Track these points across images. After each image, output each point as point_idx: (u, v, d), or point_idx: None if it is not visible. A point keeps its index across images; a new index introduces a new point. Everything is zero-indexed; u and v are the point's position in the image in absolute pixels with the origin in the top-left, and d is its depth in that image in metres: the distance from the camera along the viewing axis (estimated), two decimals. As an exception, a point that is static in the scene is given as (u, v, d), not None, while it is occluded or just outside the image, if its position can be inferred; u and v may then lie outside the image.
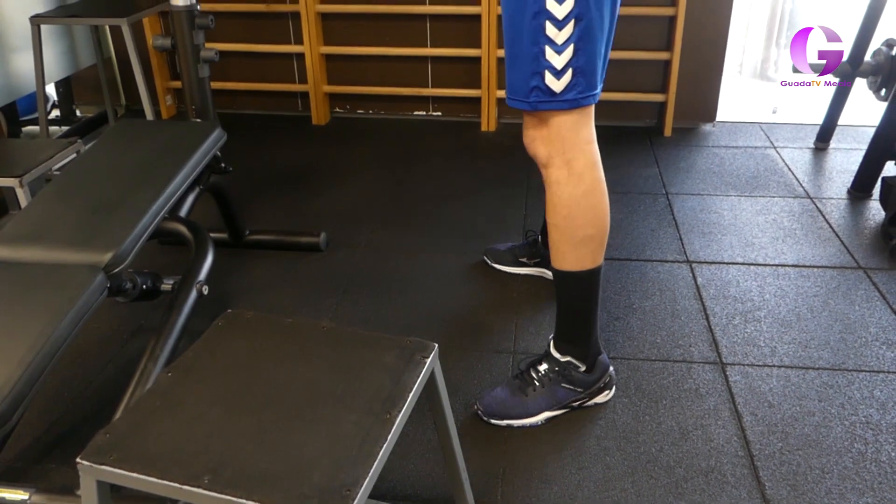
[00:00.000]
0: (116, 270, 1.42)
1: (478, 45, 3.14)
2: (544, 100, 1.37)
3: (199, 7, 1.92)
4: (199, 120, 2.00)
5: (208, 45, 1.98)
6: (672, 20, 3.03)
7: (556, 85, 1.35)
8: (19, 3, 2.86)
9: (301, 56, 3.30)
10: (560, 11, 1.31)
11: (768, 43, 4.46)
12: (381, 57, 3.28)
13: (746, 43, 4.49)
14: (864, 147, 2.63)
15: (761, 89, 4.15)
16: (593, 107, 1.43)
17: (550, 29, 1.32)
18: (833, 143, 3.04)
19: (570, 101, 1.37)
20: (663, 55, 3.10)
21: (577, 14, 1.31)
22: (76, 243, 1.45)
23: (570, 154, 1.42)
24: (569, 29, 1.32)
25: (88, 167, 1.74)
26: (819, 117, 3.05)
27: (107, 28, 3.36)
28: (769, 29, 4.42)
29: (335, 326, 1.14)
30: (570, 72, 1.34)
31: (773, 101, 3.70)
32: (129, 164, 1.73)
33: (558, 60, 1.34)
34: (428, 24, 3.20)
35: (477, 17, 3.08)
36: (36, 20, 2.66)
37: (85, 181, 1.68)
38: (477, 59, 3.17)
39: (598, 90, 1.40)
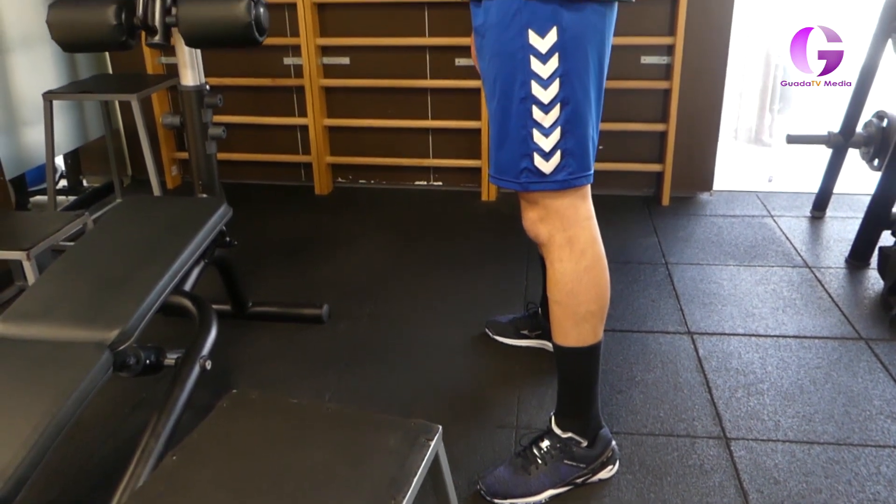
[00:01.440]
0: (122, 348, 1.43)
1: (478, 117, 3.21)
2: (534, 181, 1.41)
3: (208, 86, 1.98)
4: (205, 195, 2.04)
5: (216, 117, 2.03)
6: (667, 93, 3.11)
7: (546, 166, 1.39)
8: (33, 78, 2.95)
9: (305, 128, 3.38)
10: (546, 96, 1.35)
11: (762, 109, 4.57)
12: (382, 129, 3.36)
13: (741, 109, 4.59)
14: (860, 215, 2.66)
15: (756, 154, 4.22)
16: (589, 185, 1.46)
17: (537, 113, 1.36)
18: (829, 212, 3.08)
19: (560, 182, 1.40)
20: (659, 126, 3.17)
21: (562, 98, 1.35)
22: (82, 321, 1.47)
23: (571, 231, 1.45)
24: (555, 112, 1.36)
25: (96, 243, 1.77)
26: (814, 185, 3.10)
27: (116, 102, 3.44)
28: (762, 95, 4.53)
29: (339, 408, 1.14)
30: (558, 153, 1.38)
31: (768, 166, 3.76)
32: (137, 239, 1.76)
33: (546, 143, 1.38)
34: (429, 97, 3.29)
35: (476, 91, 3.16)
36: (48, 96, 2.73)
37: (92, 257, 1.70)
38: (477, 131, 3.24)
39: (591, 171, 1.44)
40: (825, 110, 4.07)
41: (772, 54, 4.43)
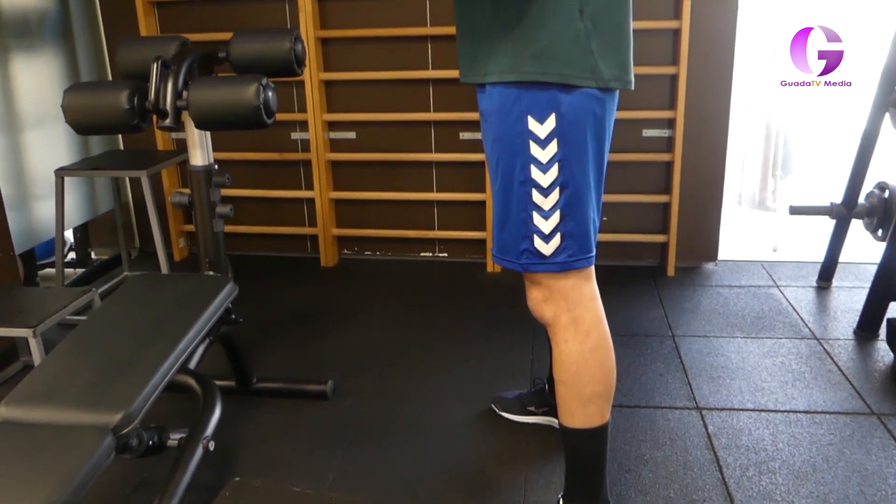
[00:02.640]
0: (125, 431, 1.42)
1: (482, 189, 3.25)
2: (535, 262, 1.42)
3: (216, 166, 2.02)
4: (212, 273, 2.05)
5: (224, 191, 2.06)
6: (669, 165, 3.15)
7: (545, 248, 1.40)
8: (45, 155, 3.01)
9: (311, 201, 3.42)
10: (545, 180, 1.38)
11: (765, 174, 4.61)
12: (388, 201, 3.39)
13: (743, 175, 4.63)
14: (867, 285, 2.66)
15: (760, 220, 4.25)
16: (593, 266, 1.47)
17: (537, 196, 1.39)
18: (835, 282, 3.08)
19: (560, 264, 1.41)
20: (662, 198, 3.20)
21: (561, 182, 1.38)
22: (86, 403, 1.46)
23: (576, 312, 1.45)
24: (554, 196, 1.38)
25: (103, 322, 1.77)
26: (819, 254, 3.10)
27: (126, 177, 3.50)
28: (765, 161, 4.58)
29: (342, 497, 1.12)
30: (558, 236, 1.40)
31: (772, 234, 3.78)
32: (143, 319, 1.76)
33: (545, 225, 1.39)
34: (434, 170, 3.34)
35: (481, 164, 3.21)
36: (61, 173, 2.78)
37: (99, 337, 1.70)
38: (482, 203, 3.28)
39: (592, 253, 1.45)
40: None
41: (772, 120, 4.50)
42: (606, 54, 1.35)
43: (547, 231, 1.39)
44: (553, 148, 1.36)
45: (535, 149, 1.37)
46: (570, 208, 1.40)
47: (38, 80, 3.03)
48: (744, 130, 4.48)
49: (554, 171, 1.37)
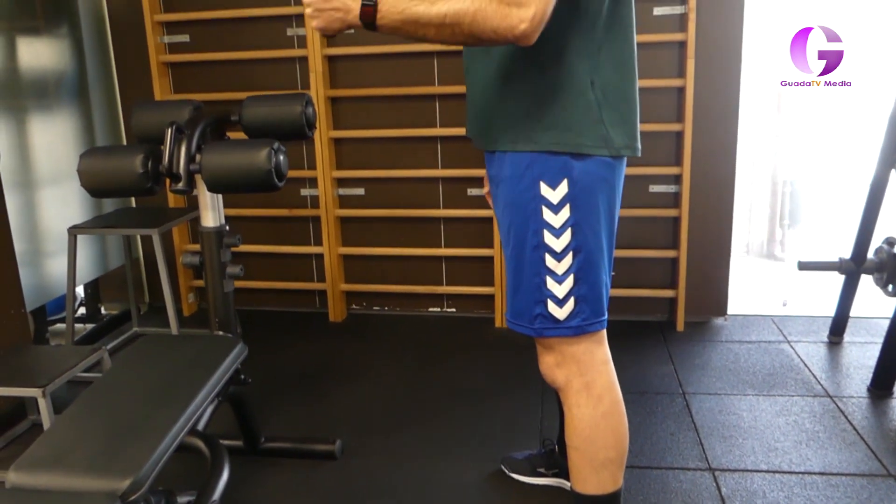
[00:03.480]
0: (134, 498, 1.41)
1: (490, 244, 3.27)
2: (549, 326, 1.42)
3: (227, 227, 2.04)
4: (221, 332, 2.06)
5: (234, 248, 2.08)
6: (676, 221, 3.17)
7: (560, 313, 1.41)
8: (59, 212, 3.05)
9: (320, 256, 3.44)
10: (558, 245, 1.39)
11: (772, 223, 4.62)
12: (396, 257, 3.41)
13: (751, 224, 4.65)
14: (879, 340, 2.64)
15: (769, 269, 4.24)
16: (605, 330, 1.47)
17: (550, 261, 1.40)
18: (847, 337, 3.06)
19: (574, 328, 1.42)
20: (670, 253, 3.20)
21: (574, 247, 1.39)
22: (95, 469, 1.45)
23: (588, 376, 1.45)
24: (568, 260, 1.39)
25: (113, 384, 1.77)
26: (830, 308, 3.09)
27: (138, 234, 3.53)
28: (772, 210, 4.60)
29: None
30: (572, 300, 1.41)
31: (781, 285, 3.77)
32: (153, 381, 1.76)
33: (559, 290, 1.40)
34: (442, 226, 3.36)
35: (488, 220, 3.23)
36: (73, 231, 2.81)
37: (109, 400, 1.70)
38: (490, 258, 3.29)
39: (605, 316, 1.45)
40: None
41: (779, 170, 4.53)
42: (617, 124, 1.38)
43: (561, 295, 1.40)
44: (565, 213, 1.38)
45: (547, 214, 1.38)
46: (583, 272, 1.41)
47: (54, 138, 3.09)
48: (750, 180, 4.52)
49: (567, 236, 1.39)
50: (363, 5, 1.28)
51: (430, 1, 1.25)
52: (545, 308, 1.41)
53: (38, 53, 3.06)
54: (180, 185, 1.82)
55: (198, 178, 1.87)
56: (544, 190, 1.38)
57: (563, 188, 1.37)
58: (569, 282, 1.40)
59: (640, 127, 1.46)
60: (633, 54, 1.44)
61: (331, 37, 1.35)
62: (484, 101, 1.48)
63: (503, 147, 1.43)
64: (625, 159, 1.45)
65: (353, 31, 1.35)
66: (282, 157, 1.82)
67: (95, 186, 1.85)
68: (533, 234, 1.40)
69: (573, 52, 1.36)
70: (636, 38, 1.46)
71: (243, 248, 3.38)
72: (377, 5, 1.27)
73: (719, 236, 3.21)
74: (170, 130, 1.82)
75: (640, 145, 1.45)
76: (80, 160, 1.86)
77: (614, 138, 1.39)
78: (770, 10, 2.86)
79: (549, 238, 1.39)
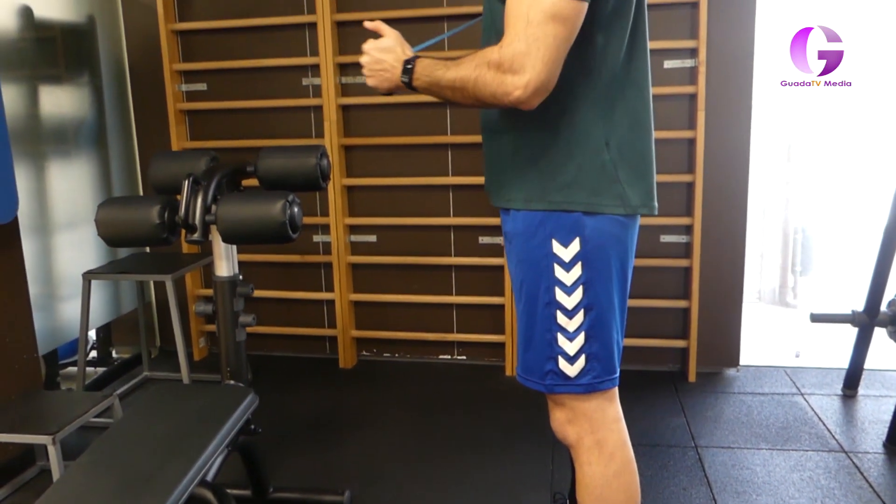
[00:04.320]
0: (140, 553, 1.40)
1: (501, 293, 3.27)
2: (559, 383, 1.42)
3: (240, 276, 2.05)
4: (233, 382, 2.06)
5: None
6: (688, 271, 3.17)
7: (570, 370, 1.41)
8: (73, 257, 3.08)
9: (331, 302, 3.45)
10: (569, 302, 1.40)
11: (784, 270, 4.61)
12: (407, 304, 3.42)
13: (762, 271, 4.63)
14: (895, 394, 2.60)
15: (781, 316, 4.21)
16: (616, 388, 1.47)
17: (561, 318, 1.40)
18: (862, 390, 3.02)
19: (585, 386, 1.42)
20: (681, 303, 3.20)
21: (586, 304, 1.39)
22: (103, 523, 1.45)
23: (600, 434, 1.44)
24: (579, 318, 1.40)
25: (123, 435, 1.77)
26: (843, 359, 3.06)
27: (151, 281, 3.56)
28: (783, 256, 4.59)
29: None
30: (583, 357, 1.41)
31: (794, 333, 3.74)
32: (164, 431, 1.76)
33: (570, 347, 1.40)
34: (453, 274, 3.37)
35: (500, 268, 3.24)
36: (88, 276, 2.84)
37: (119, 451, 1.70)
38: (500, 307, 3.29)
39: (616, 374, 1.45)
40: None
41: (790, 217, 4.53)
42: (634, 182, 1.40)
43: (572, 353, 1.40)
44: (577, 271, 1.38)
45: (559, 271, 1.39)
46: (595, 330, 1.41)
47: (71, 184, 3.14)
48: (761, 228, 4.52)
49: (578, 294, 1.39)
50: (403, 70, 1.42)
51: (448, 66, 1.37)
52: (556, 365, 1.41)
53: (59, 101, 3.13)
54: (196, 236, 1.84)
55: (213, 228, 1.89)
56: (556, 247, 1.39)
57: (575, 246, 1.38)
58: (580, 339, 1.40)
59: (655, 175, 1.48)
60: (648, 112, 1.45)
61: (386, 94, 1.50)
62: (499, 159, 1.50)
63: (517, 205, 1.44)
64: (638, 217, 1.46)
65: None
66: (296, 210, 1.84)
67: (112, 236, 1.88)
68: (545, 291, 1.41)
69: (587, 112, 1.38)
70: (649, 70, 1.48)
71: (255, 292, 3.40)
72: (414, 70, 1.40)
73: (731, 286, 3.20)
74: (187, 182, 1.85)
75: (656, 203, 1.46)
76: (99, 210, 1.89)
77: (631, 197, 1.40)
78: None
79: (560, 295, 1.40)
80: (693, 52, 2.99)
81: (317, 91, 3.29)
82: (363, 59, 1.49)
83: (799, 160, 4.56)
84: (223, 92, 3.40)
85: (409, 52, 1.45)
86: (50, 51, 3.09)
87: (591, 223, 1.38)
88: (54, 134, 3.08)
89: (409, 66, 1.41)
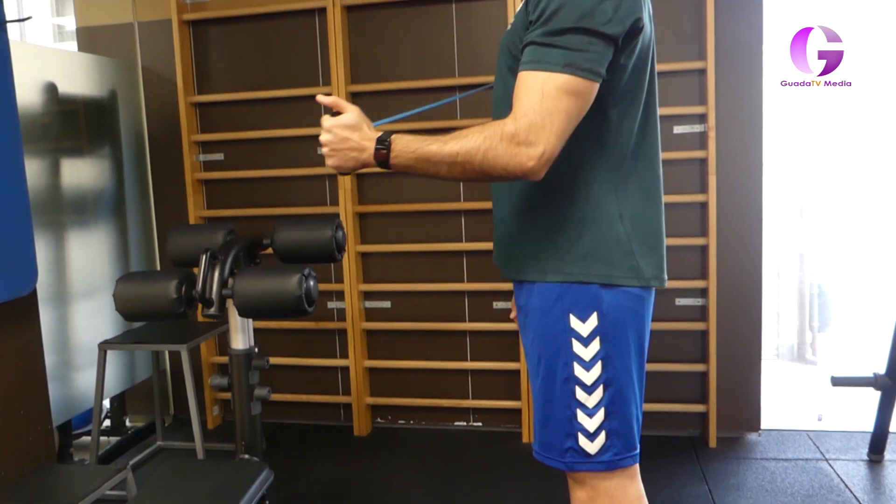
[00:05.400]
0: None
1: (516, 358, 3.25)
2: (580, 461, 1.40)
3: (256, 349, 2.05)
4: (247, 456, 2.04)
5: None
6: (704, 334, 3.14)
7: (591, 447, 1.39)
8: (89, 326, 3.10)
9: (346, 369, 3.44)
10: (588, 378, 1.39)
11: (802, 326, 4.56)
12: (422, 370, 3.40)
13: (780, 327, 4.58)
14: (922, 461, 2.54)
15: (801, 373, 4.15)
16: (637, 464, 1.44)
17: (580, 394, 1.39)
18: (888, 454, 2.95)
19: (606, 463, 1.39)
20: (699, 367, 3.16)
21: (605, 380, 1.38)
22: None
23: (621, 513, 1.41)
24: (598, 394, 1.39)
25: (136, 513, 1.75)
26: (868, 423, 2.99)
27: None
28: (800, 313, 4.54)
29: None
30: (603, 434, 1.39)
31: (815, 392, 3.67)
32: (177, 510, 1.74)
33: (590, 423, 1.39)
34: (468, 339, 3.36)
35: (514, 333, 3.23)
36: (104, 346, 2.85)
37: (131, 531, 1.68)
38: (516, 372, 3.27)
39: (637, 450, 1.43)
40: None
41: (805, 273, 4.50)
42: (647, 255, 1.41)
43: (592, 429, 1.39)
44: (595, 346, 1.38)
45: (577, 346, 1.39)
46: (615, 406, 1.40)
47: (89, 253, 3.18)
48: (777, 284, 4.50)
49: (597, 369, 1.38)
50: (377, 148, 1.36)
51: (442, 140, 1.33)
52: (576, 442, 1.40)
53: (80, 172, 3.19)
54: (213, 311, 1.85)
55: (229, 303, 1.90)
56: (574, 322, 1.38)
57: (593, 321, 1.38)
58: (600, 415, 1.38)
59: (665, 247, 1.49)
60: (659, 185, 1.47)
61: (344, 174, 1.41)
62: (511, 230, 1.51)
63: (532, 277, 1.45)
64: (653, 289, 1.46)
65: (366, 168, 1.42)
66: (312, 283, 1.85)
67: (130, 311, 1.89)
68: (563, 367, 1.40)
69: (601, 184, 1.39)
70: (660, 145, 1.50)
71: (269, 359, 3.40)
72: (391, 146, 1.35)
73: (749, 348, 3.16)
74: (204, 257, 1.87)
75: (666, 275, 1.47)
76: (117, 285, 1.90)
77: (644, 269, 1.40)
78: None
79: (579, 371, 1.39)
80: (702, 118, 3.03)
81: (331, 159, 3.34)
82: (323, 137, 1.41)
83: (812, 216, 4.57)
84: (240, 161, 3.46)
85: (373, 129, 1.40)
86: (73, 123, 3.17)
87: (609, 297, 1.38)
88: (74, 204, 3.13)
89: (386, 142, 1.35)
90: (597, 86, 1.29)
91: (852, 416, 3.32)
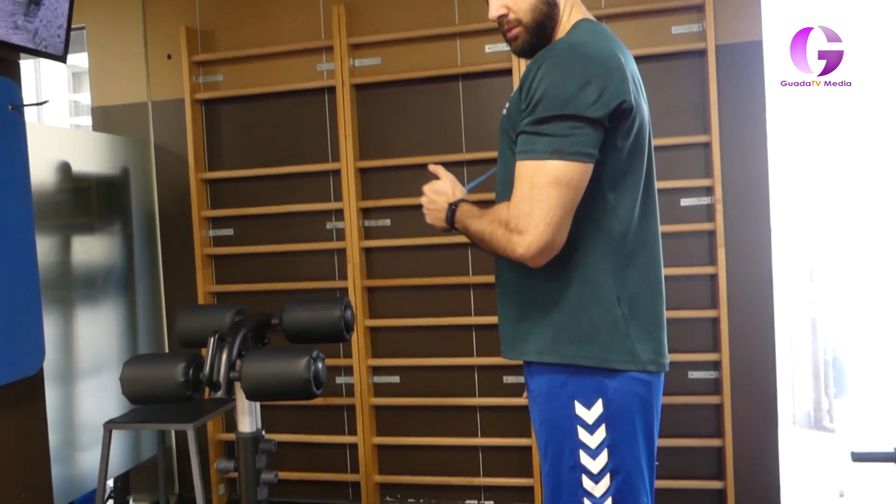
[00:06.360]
0: None
1: (528, 434, 3.18)
2: None
3: (264, 432, 2.02)
4: (253, 544, 1.98)
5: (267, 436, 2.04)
6: (719, 408, 3.08)
7: None
8: (95, 404, 3.07)
9: (354, 446, 3.38)
10: (595, 466, 1.36)
11: (818, 393, 4.46)
12: (432, 447, 3.34)
13: (795, 394, 4.49)
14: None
15: (819, 441, 4.05)
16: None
17: (587, 482, 1.36)
18: (914, 534, 2.86)
19: None
20: (715, 441, 3.09)
21: (612, 468, 1.36)
22: None
23: None
24: (605, 482, 1.36)
25: None
26: (891, 497, 2.90)
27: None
28: (815, 379, 4.46)
29: None
30: None
31: (834, 462, 3.58)
32: None
33: None
34: (478, 415, 3.31)
35: (526, 408, 3.16)
36: (109, 426, 2.82)
37: None
38: (528, 448, 3.20)
39: None
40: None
41: (819, 339, 4.44)
42: (643, 339, 1.40)
43: None
44: (601, 433, 1.35)
45: (583, 434, 1.36)
46: (623, 495, 1.36)
47: (97, 330, 3.18)
48: (790, 350, 4.44)
49: (604, 457, 1.35)
50: (447, 212, 1.52)
51: (477, 216, 1.44)
52: (586, 531, 1.36)
53: (90, 248, 3.22)
54: (220, 394, 1.82)
55: (237, 386, 1.88)
56: (579, 409, 1.37)
57: (598, 408, 1.36)
58: (607, 505, 1.35)
59: (665, 331, 1.47)
60: (659, 268, 1.47)
61: (443, 232, 1.59)
62: (511, 308, 1.51)
63: (530, 357, 1.45)
64: (662, 375, 1.44)
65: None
66: (320, 366, 1.82)
67: (137, 394, 1.86)
68: (569, 455, 1.37)
69: (600, 268, 1.40)
70: (666, 229, 1.51)
71: (275, 436, 3.34)
72: (455, 214, 1.49)
73: (765, 421, 3.10)
74: (212, 340, 1.86)
75: (667, 361, 1.45)
76: (123, 368, 1.89)
77: (641, 353, 1.40)
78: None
79: (585, 459, 1.36)
80: (709, 190, 3.04)
81: (340, 234, 3.37)
82: (422, 199, 1.59)
83: (823, 280, 4.54)
84: (249, 236, 3.49)
85: (458, 194, 1.53)
86: (85, 200, 3.21)
87: (613, 384, 1.36)
88: (84, 280, 3.14)
89: (453, 209, 1.50)
90: (589, 167, 1.31)
91: (876, 490, 3.22)
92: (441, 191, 1.54)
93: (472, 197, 1.61)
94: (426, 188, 1.58)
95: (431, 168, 1.63)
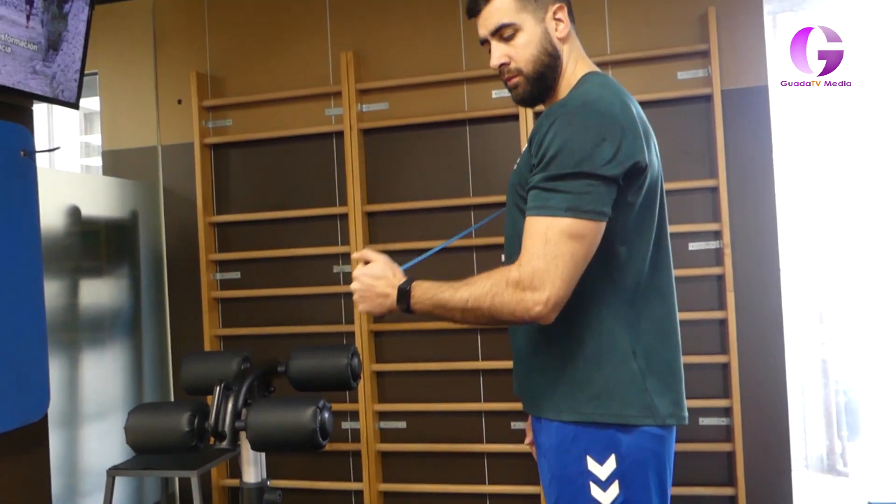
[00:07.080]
0: None
1: (536, 481, 3.13)
2: None
3: (269, 482, 1.99)
4: None
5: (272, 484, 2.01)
6: (730, 455, 3.03)
7: None
8: (98, 449, 3.04)
9: (359, 493, 3.33)
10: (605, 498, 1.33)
11: (830, 437, 4.39)
12: (439, 494, 3.28)
13: (807, 437, 4.42)
14: None
15: (832, 486, 3.97)
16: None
17: None
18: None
19: None
20: (727, 490, 3.04)
21: None
22: None
23: None
24: None
25: None
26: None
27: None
28: (828, 422, 4.38)
29: None
30: None
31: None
32: None
33: None
34: (485, 462, 3.26)
35: (529, 454, 3.13)
36: (112, 472, 2.79)
37: None
38: (536, 496, 3.15)
39: None
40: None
41: (830, 380, 4.38)
42: (662, 392, 1.37)
43: None
44: (614, 490, 1.33)
45: (595, 491, 1.33)
46: None
47: (103, 373, 3.17)
48: (801, 393, 4.38)
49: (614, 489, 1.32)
50: (398, 295, 1.42)
51: (455, 287, 1.37)
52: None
53: (98, 291, 3.22)
54: (225, 444, 1.80)
55: (242, 436, 1.86)
56: (591, 465, 1.34)
57: (611, 464, 1.33)
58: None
59: (683, 383, 1.45)
60: (674, 320, 1.45)
61: (379, 317, 1.47)
62: (527, 366, 1.49)
63: (548, 415, 1.42)
64: (674, 429, 1.41)
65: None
66: (327, 416, 1.80)
67: (141, 444, 1.84)
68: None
69: (613, 322, 1.38)
70: (674, 273, 1.50)
71: (280, 482, 3.30)
72: (411, 294, 1.41)
73: (778, 466, 3.04)
74: (218, 389, 1.84)
75: (685, 413, 1.42)
76: (129, 417, 1.87)
77: (659, 407, 1.37)
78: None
79: (595, 491, 1.33)
80: (717, 234, 3.03)
81: (347, 278, 3.36)
82: (353, 286, 1.51)
83: (833, 321, 4.50)
84: (256, 280, 3.48)
85: (399, 275, 1.46)
86: (93, 244, 3.22)
87: (627, 439, 1.34)
88: (90, 324, 3.14)
89: (406, 290, 1.42)
90: (602, 225, 1.30)
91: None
92: (377, 274, 1.47)
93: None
94: (357, 273, 1.51)
95: (356, 255, 1.55)
